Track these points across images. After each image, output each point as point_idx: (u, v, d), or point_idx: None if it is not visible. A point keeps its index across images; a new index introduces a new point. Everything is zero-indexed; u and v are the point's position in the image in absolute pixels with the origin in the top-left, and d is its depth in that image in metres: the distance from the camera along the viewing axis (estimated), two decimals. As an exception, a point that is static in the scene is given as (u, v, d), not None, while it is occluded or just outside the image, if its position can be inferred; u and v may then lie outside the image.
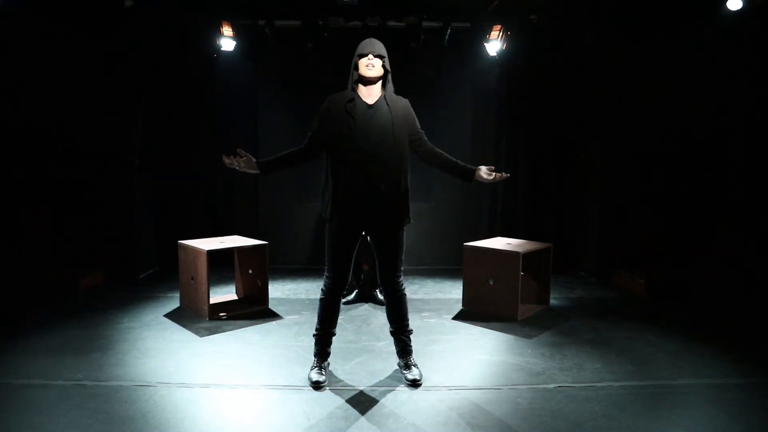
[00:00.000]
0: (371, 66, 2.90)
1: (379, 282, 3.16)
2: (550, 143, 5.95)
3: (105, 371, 3.16)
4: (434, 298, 4.91)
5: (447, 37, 5.62)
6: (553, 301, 4.72)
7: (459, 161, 3.10)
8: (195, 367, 3.26)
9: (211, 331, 3.91)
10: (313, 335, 3.14)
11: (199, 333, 3.87)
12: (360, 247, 3.08)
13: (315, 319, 3.14)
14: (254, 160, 2.98)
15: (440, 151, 3.09)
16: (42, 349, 3.47)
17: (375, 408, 2.77)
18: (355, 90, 2.95)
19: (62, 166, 5.29)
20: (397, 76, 3.06)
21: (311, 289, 5.16)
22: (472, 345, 3.71)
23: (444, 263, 6.14)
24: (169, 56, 5.67)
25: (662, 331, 3.97)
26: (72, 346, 3.53)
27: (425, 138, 3.07)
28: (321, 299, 3.08)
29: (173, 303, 4.61)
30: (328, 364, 3.17)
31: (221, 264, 5.13)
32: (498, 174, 3.03)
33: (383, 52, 2.95)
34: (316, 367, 3.08)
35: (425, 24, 5.45)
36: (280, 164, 3.03)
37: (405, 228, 3.04)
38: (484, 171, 3.04)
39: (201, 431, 2.52)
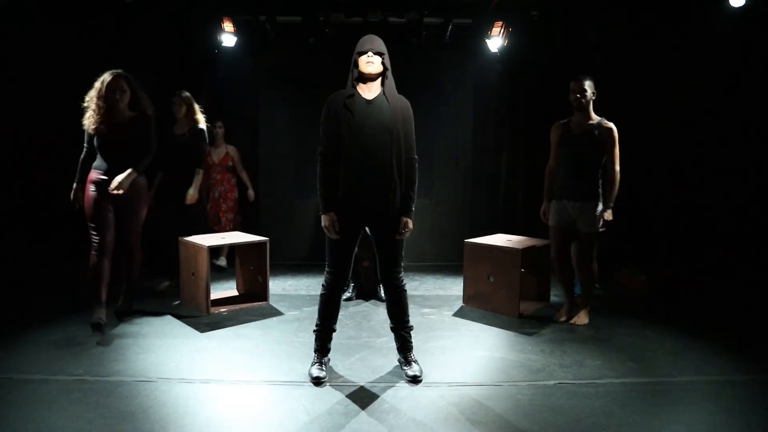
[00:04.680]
0: (371, 63, 2.90)
1: (379, 278, 3.16)
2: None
3: (106, 366, 3.16)
4: (435, 295, 4.92)
5: (448, 33, 5.60)
6: (553, 298, 4.73)
7: (413, 196, 2.99)
8: (196, 363, 3.27)
9: (212, 327, 3.92)
10: (314, 331, 3.14)
11: (200, 328, 3.88)
12: (360, 243, 3.08)
13: (315, 315, 3.14)
14: (331, 216, 2.90)
15: (412, 171, 2.99)
16: (43, 344, 3.47)
17: (375, 403, 2.78)
18: (355, 87, 2.95)
19: (64, 160, 5.28)
20: (398, 73, 3.05)
21: (312, 285, 5.16)
22: (473, 341, 3.71)
23: (444, 260, 6.15)
24: (169, 52, 5.66)
25: (662, 328, 3.97)
26: (73, 341, 3.54)
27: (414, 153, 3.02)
28: (322, 295, 3.09)
29: (174, 298, 4.61)
30: (329, 359, 3.18)
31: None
32: (400, 233, 2.96)
33: (383, 49, 2.94)
34: (316, 362, 3.09)
35: (426, 20, 5.44)
36: (335, 191, 2.91)
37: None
38: (402, 224, 2.95)
39: (201, 426, 2.52)
